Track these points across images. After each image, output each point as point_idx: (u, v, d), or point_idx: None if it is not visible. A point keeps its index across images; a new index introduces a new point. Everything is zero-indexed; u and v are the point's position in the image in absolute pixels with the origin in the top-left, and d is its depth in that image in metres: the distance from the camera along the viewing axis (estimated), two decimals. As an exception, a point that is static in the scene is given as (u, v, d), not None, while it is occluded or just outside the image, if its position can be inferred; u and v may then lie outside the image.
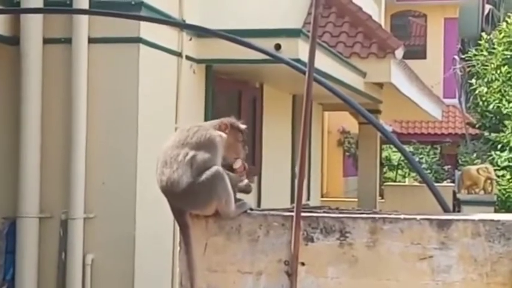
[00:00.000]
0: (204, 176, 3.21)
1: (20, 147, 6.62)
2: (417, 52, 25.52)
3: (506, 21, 21.37)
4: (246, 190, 3.45)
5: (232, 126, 3.44)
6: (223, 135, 3.37)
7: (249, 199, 3.53)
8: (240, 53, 6.47)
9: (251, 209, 3.41)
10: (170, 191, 3.26)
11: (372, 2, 17.95)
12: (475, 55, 22.09)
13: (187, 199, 3.25)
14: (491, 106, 21.05)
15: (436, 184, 4.81)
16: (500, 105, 20.66)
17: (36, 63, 6.64)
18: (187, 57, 7.66)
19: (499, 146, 19.93)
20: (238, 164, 3.44)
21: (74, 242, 6.57)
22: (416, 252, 3.22)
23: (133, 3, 6.57)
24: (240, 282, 3.36)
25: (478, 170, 16.02)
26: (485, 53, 21.71)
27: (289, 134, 11.75)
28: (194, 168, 3.23)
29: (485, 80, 21.37)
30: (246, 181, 3.44)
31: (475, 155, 21.01)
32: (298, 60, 6.94)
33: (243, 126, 3.50)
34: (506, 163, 19.41)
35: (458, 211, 14.79)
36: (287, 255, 3.30)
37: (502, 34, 21.24)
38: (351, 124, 18.39)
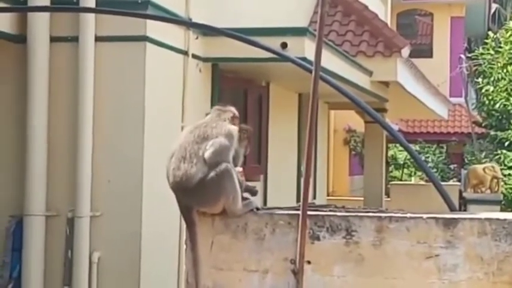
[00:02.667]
0: (213, 173, 3.23)
1: (26, 146, 6.63)
2: (423, 51, 25.47)
3: (513, 20, 21.32)
4: (253, 191, 3.48)
5: (237, 117, 3.50)
6: (237, 127, 3.42)
7: (255, 197, 3.54)
8: (246, 51, 6.46)
9: (257, 209, 3.41)
10: (183, 186, 3.25)
11: (378, 1, 17.92)
12: (481, 54, 22.04)
13: (197, 195, 3.26)
14: (497, 105, 21.01)
15: (442, 183, 4.81)
16: (507, 103, 20.62)
17: (43, 62, 6.65)
18: (194, 56, 7.66)
19: (506, 144, 19.89)
20: (240, 169, 3.47)
21: (81, 240, 6.58)
22: (423, 251, 3.22)
23: (139, 1, 6.58)
24: (246, 281, 3.36)
25: (484, 169, 15.98)
26: (491, 51, 21.67)
27: (295, 132, 11.75)
28: (210, 154, 3.24)
29: (492, 78, 21.33)
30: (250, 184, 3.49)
31: (483, 154, 20.94)
32: (304, 59, 6.93)
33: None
34: (513, 162, 19.38)
35: (464, 210, 14.76)
36: (293, 254, 3.30)
37: (509, 33, 21.20)
38: (357, 123, 18.37)
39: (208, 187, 3.24)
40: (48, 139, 6.68)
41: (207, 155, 3.25)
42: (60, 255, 6.67)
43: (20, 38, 6.67)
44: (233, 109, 3.52)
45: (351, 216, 3.31)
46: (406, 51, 11.76)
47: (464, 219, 3.23)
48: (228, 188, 3.25)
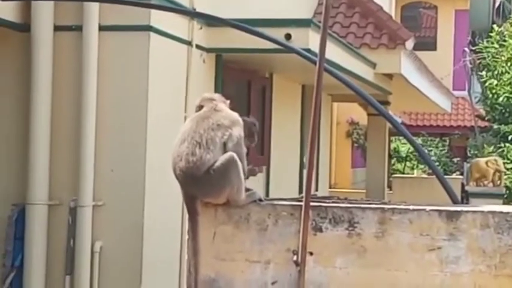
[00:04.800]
0: (219, 162, 3.23)
1: (29, 135, 6.63)
2: (427, 44, 25.41)
3: (518, 14, 21.26)
4: (253, 171, 3.48)
5: None
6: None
7: (258, 189, 3.53)
8: (250, 42, 6.46)
9: (260, 200, 3.41)
10: (193, 173, 3.24)
11: (383, -7, 17.86)
12: (485, 47, 21.99)
13: (203, 184, 3.26)
14: (501, 99, 20.98)
15: (445, 176, 4.80)
16: (510, 97, 20.58)
17: (46, 51, 6.65)
18: (198, 46, 7.65)
19: (510, 138, 19.87)
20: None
21: (83, 230, 6.59)
22: (425, 243, 3.22)
23: (144, -9, 6.57)
24: (248, 271, 3.36)
25: (486, 163, 15.97)
26: (496, 45, 21.62)
27: (298, 124, 11.74)
28: (233, 145, 3.27)
29: (496, 72, 21.29)
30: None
31: (491, 148, 20.87)
32: (308, 50, 6.92)
33: None
34: (515, 156, 19.36)
35: (467, 203, 14.75)
36: (295, 245, 3.30)
37: (513, 27, 21.16)
38: (360, 115, 18.37)
39: (215, 176, 3.24)
40: (51, 128, 6.68)
41: (231, 146, 3.28)
42: (62, 244, 6.68)
43: (24, 27, 6.67)
44: (219, 96, 3.54)
45: (354, 207, 3.31)
46: (410, 44, 11.73)
47: (467, 211, 3.22)
48: (233, 177, 3.25)
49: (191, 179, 3.26)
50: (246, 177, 3.39)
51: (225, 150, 3.28)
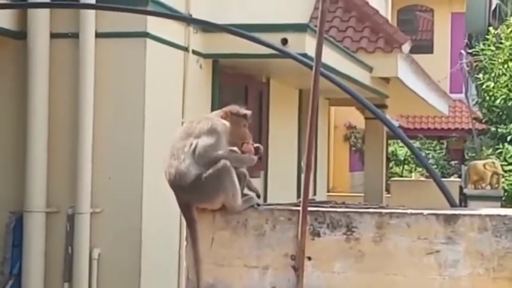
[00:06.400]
0: (211, 170, 3.21)
1: (27, 142, 6.63)
2: (424, 47, 25.46)
3: (514, 16, 21.30)
4: (254, 191, 3.45)
5: (232, 113, 3.44)
6: (227, 123, 3.37)
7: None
8: (247, 47, 6.47)
9: (258, 205, 3.40)
10: (178, 184, 3.25)
11: (379, -3, 17.88)
12: (482, 50, 22.03)
13: (195, 193, 3.25)
14: (498, 101, 21.01)
15: (442, 179, 4.80)
16: (507, 99, 20.61)
17: (43, 58, 6.65)
18: (194, 52, 7.66)
19: (509, 139, 19.89)
20: (247, 148, 3.42)
21: (81, 237, 6.59)
22: (423, 247, 3.21)
23: (140, -3, 6.57)
24: (246, 277, 3.36)
25: (484, 165, 15.97)
26: (492, 47, 21.66)
27: (295, 128, 11.75)
28: (197, 155, 3.23)
29: (493, 74, 21.32)
30: (251, 157, 3.38)
31: (490, 150, 20.89)
32: (305, 55, 6.93)
33: (244, 112, 3.49)
34: (513, 158, 19.38)
35: (465, 206, 14.75)
36: (293, 250, 3.30)
37: (510, 29, 21.20)
38: (357, 119, 18.36)
39: (206, 184, 3.23)
40: (48, 135, 6.68)
41: (195, 157, 3.24)
42: (60, 251, 6.67)
43: (21, 35, 6.67)
44: (229, 107, 3.48)
45: (352, 212, 3.30)
46: (406, 47, 11.74)
47: (465, 215, 3.22)
48: (227, 185, 3.24)
49: (180, 188, 3.27)
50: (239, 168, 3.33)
51: (195, 157, 3.24)
